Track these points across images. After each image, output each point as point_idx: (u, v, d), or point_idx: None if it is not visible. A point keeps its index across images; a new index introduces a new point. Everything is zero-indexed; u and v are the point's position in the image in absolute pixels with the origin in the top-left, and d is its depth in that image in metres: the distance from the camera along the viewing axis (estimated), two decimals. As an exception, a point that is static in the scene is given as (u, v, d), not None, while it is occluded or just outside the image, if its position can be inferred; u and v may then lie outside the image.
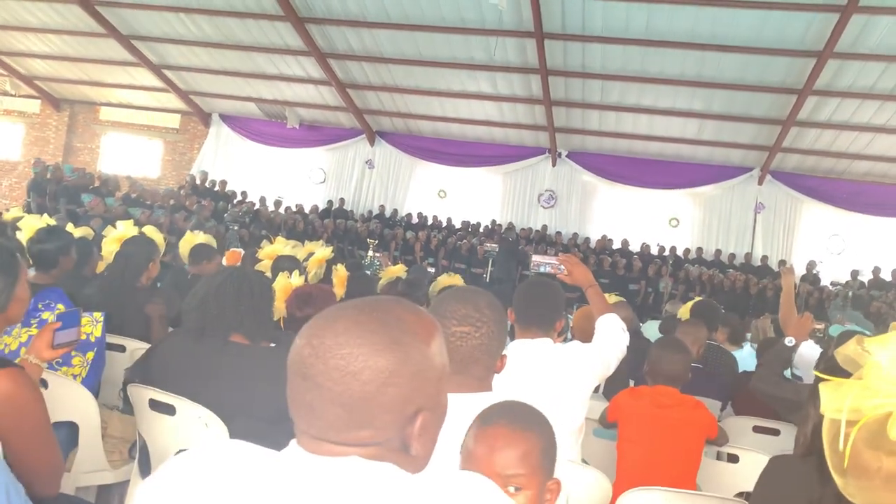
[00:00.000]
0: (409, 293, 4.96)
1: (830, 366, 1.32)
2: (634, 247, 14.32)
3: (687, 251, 14.23)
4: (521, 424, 1.41)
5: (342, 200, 15.97)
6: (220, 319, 2.39)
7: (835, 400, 1.14)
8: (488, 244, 12.68)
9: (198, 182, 15.37)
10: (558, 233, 14.79)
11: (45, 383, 2.37)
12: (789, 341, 3.17)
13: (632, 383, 3.70)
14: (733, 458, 2.96)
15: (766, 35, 10.45)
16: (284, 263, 4.26)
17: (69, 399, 2.58)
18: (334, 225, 14.49)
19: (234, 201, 15.12)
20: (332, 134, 16.31)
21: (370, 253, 9.60)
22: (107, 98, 17.27)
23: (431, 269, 10.86)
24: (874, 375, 1.13)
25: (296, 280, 3.49)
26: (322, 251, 4.84)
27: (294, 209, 15.45)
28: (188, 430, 2.28)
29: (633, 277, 13.20)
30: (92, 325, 2.81)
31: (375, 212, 15.74)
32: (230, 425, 2.24)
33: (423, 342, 0.97)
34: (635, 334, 4.17)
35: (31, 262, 3.42)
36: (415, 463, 0.97)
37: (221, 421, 2.24)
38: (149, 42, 14.17)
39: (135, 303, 3.61)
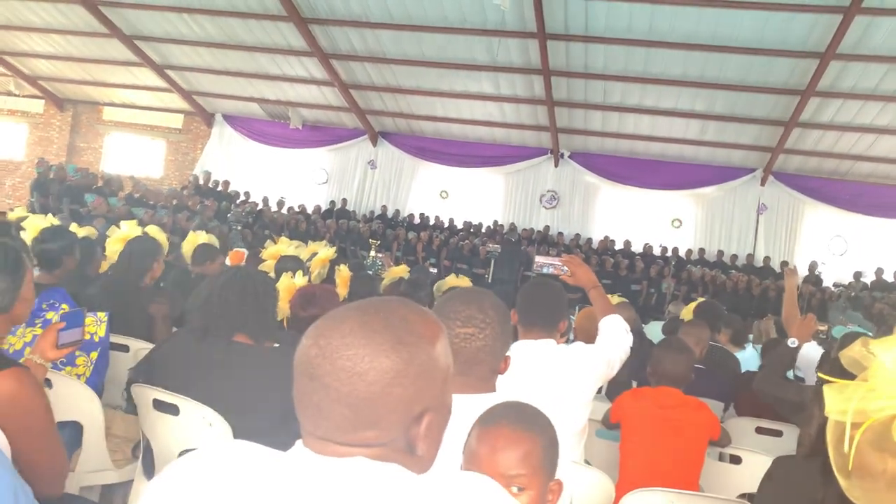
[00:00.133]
0: (411, 294, 4.96)
1: (834, 367, 1.32)
2: (637, 247, 14.31)
3: (689, 252, 14.21)
4: (524, 425, 1.41)
5: (344, 201, 15.98)
6: (224, 319, 2.40)
7: (839, 402, 1.14)
8: (490, 245, 12.70)
9: (201, 182, 15.40)
10: (560, 233, 14.78)
11: (49, 383, 2.38)
12: (792, 342, 3.17)
13: (634, 384, 3.70)
14: (736, 460, 2.97)
15: (769, 36, 10.44)
16: (288, 264, 4.27)
17: (73, 399, 2.59)
18: (336, 225, 14.50)
19: (237, 201, 15.13)
20: (334, 134, 16.32)
21: (372, 253, 9.59)
22: (110, 98, 17.30)
23: (433, 270, 10.87)
24: (879, 377, 1.13)
25: (299, 280, 3.50)
26: (325, 251, 4.86)
27: (296, 209, 15.47)
28: (192, 430, 2.28)
29: (636, 278, 13.18)
30: (96, 324, 2.82)
31: (377, 212, 15.75)
32: (234, 425, 2.24)
33: (429, 343, 0.97)
34: (638, 335, 4.17)
35: (35, 261, 3.43)
36: (420, 463, 0.97)
37: (225, 421, 2.25)
38: (152, 42, 14.19)
39: (139, 303, 3.62)
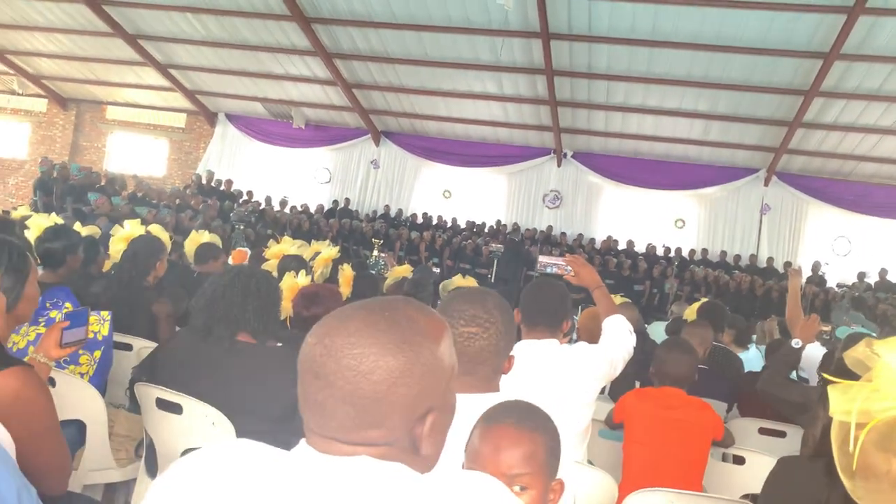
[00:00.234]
0: (414, 293, 4.96)
1: (838, 368, 1.32)
2: (640, 248, 14.31)
3: (692, 252, 14.19)
4: (526, 424, 1.40)
5: (347, 200, 15.99)
6: (227, 318, 2.39)
7: (844, 402, 1.14)
8: (493, 244, 12.69)
9: (203, 181, 15.40)
10: (563, 233, 14.77)
11: (52, 382, 2.38)
12: (796, 343, 3.16)
13: (638, 384, 3.70)
14: (739, 460, 2.96)
15: (773, 36, 10.42)
16: (291, 263, 4.28)
17: (77, 397, 2.59)
18: (339, 225, 14.50)
19: (240, 201, 15.14)
20: (337, 134, 16.33)
21: (375, 253, 9.60)
22: (113, 97, 17.33)
23: (436, 270, 10.87)
24: (883, 378, 1.13)
25: (302, 279, 3.51)
26: (328, 251, 4.86)
27: (299, 209, 15.48)
28: (195, 429, 2.28)
29: (639, 278, 13.17)
30: (99, 323, 2.82)
31: (380, 212, 15.76)
32: (237, 424, 2.24)
33: (433, 342, 0.97)
34: (641, 336, 4.17)
35: (38, 260, 3.43)
36: (424, 463, 0.97)
37: (228, 420, 2.25)
38: (155, 41, 14.21)
39: (142, 302, 3.62)
